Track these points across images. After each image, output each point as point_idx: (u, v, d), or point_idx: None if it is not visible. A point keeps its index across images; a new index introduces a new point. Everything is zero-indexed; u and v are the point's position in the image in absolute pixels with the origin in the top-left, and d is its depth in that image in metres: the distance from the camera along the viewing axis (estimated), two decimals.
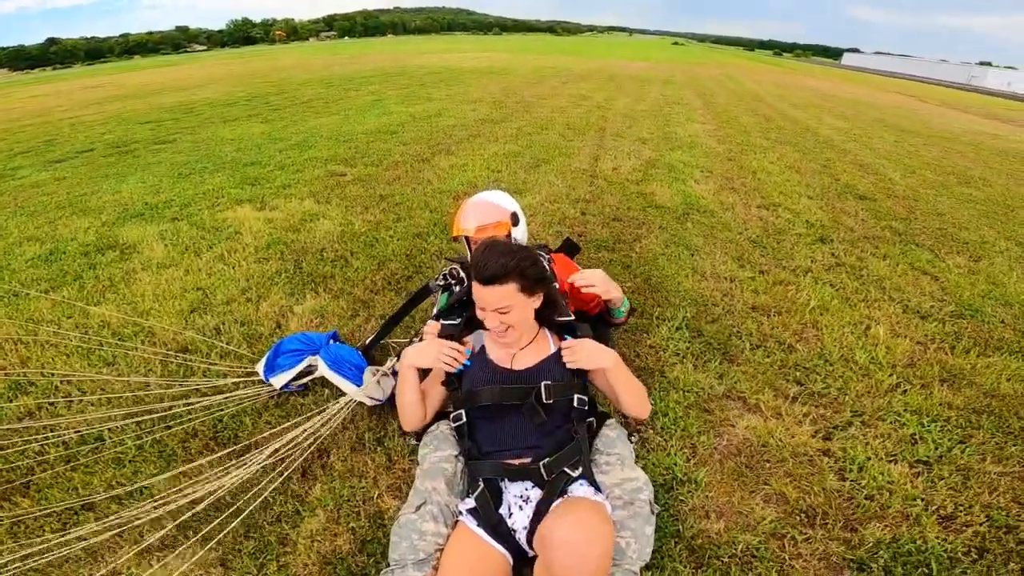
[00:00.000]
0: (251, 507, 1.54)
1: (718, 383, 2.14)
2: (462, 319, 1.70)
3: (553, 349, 1.58)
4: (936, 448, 1.84)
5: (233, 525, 1.49)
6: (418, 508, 1.35)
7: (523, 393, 1.47)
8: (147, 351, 2.24)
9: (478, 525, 1.33)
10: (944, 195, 4.93)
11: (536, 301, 1.52)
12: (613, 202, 4.05)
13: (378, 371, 1.90)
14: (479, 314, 1.48)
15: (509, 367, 1.54)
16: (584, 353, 1.48)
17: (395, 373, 1.89)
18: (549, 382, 1.48)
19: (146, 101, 10.51)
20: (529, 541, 1.32)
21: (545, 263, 1.99)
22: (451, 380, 1.57)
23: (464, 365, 1.52)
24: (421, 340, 1.84)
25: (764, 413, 1.99)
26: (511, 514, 1.36)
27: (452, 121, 6.95)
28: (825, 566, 1.43)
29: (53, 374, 2.13)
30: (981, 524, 1.55)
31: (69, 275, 2.95)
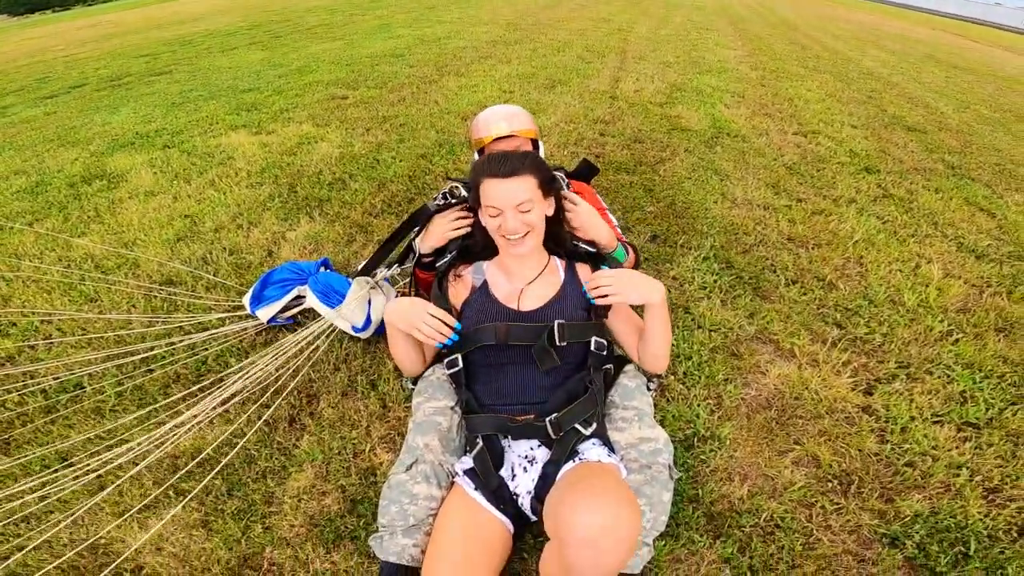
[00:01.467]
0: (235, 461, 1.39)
1: (748, 323, 1.89)
2: (453, 254, 1.45)
3: (563, 281, 1.34)
4: (987, 409, 1.59)
5: (214, 482, 1.34)
6: (409, 468, 1.16)
7: (532, 333, 1.23)
8: (130, 285, 2.05)
9: (476, 489, 1.15)
10: (1001, 131, 4.40)
11: (549, 207, 1.30)
12: (635, 124, 3.66)
13: (370, 282, 1.67)
14: (491, 223, 1.25)
15: (516, 307, 1.30)
16: (628, 283, 1.20)
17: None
18: (563, 321, 1.24)
19: (145, 36, 9.92)
20: (533, 506, 1.14)
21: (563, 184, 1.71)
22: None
23: (450, 340, 1.23)
24: (420, 231, 1.61)
25: (799, 359, 1.75)
26: (514, 476, 1.18)
27: (462, 43, 6.39)
28: (855, 540, 1.24)
29: (34, 312, 1.97)
30: (1022, 505, 1.32)
31: (54, 207, 2.76)
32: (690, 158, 3.16)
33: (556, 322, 1.23)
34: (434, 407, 1.26)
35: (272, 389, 1.58)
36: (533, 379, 1.25)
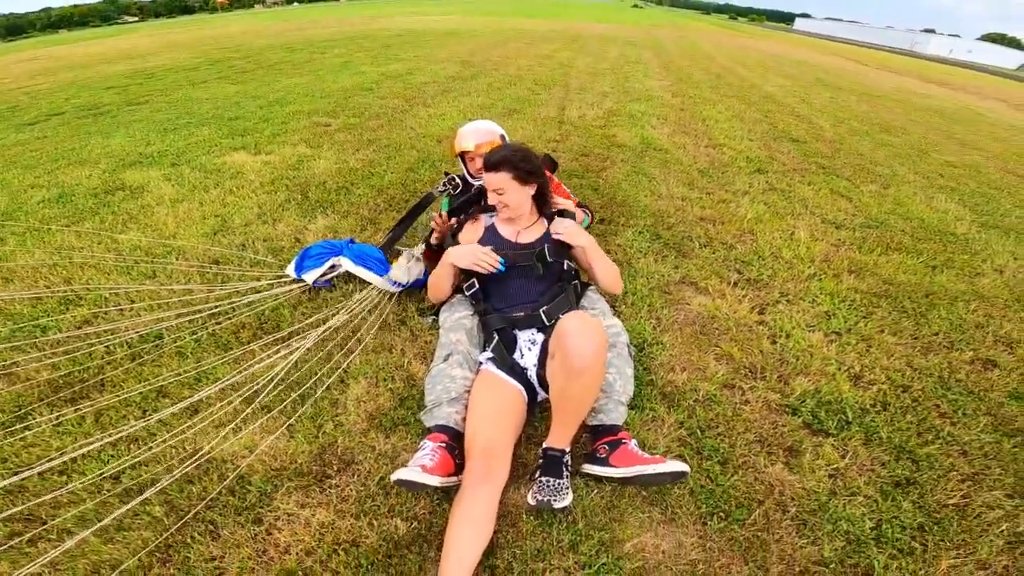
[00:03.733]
0: (306, 382, 1.86)
1: (674, 272, 2.55)
2: (468, 213, 2.04)
3: (546, 230, 1.88)
4: (845, 322, 2.27)
5: (292, 397, 1.74)
6: (446, 358, 1.65)
7: (529, 255, 1.78)
8: (182, 265, 2.48)
9: (497, 367, 1.62)
10: (866, 140, 5.47)
11: (530, 189, 1.81)
12: (580, 142, 4.39)
13: (412, 254, 2.20)
14: (489, 196, 1.80)
15: (515, 240, 1.85)
16: (568, 227, 1.79)
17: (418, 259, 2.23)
18: (548, 245, 1.80)
19: (97, 70, 9.99)
20: (538, 376, 1.61)
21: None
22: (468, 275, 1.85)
23: (499, 270, 1.75)
24: (431, 233, 2.19)
25: (712, 294, 2.42)
26: (522, 355, 1.66)
27: (424, 78, 7.06)
28: (767, 409, 1.79)
29: (100, 288, 2.35)
30: (883, 383, 1.93)
31: (86, 212, 3.10)
32: (625, 166, 3.90)
33: (545, 245, 1.80)
34: (459, 315, 1.79)
35: (326, 329, 2.06)
36: (530, 286, 1.79)
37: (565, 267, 1.85)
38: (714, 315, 2.27)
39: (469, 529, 1.25)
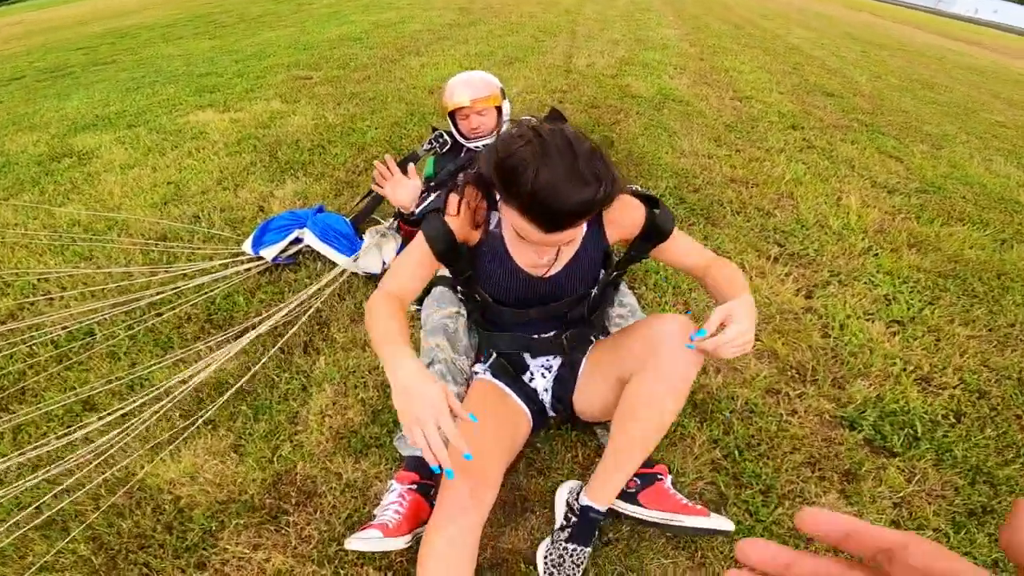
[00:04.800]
0: (257, 387, 1.51)
1: (704, 244, 2.13)
2: (455, 183, 1.60)
3: (583, 238, 1.09)
4: (908, 308, 1.90)
5: (240, 408, 1.42)
6: (427, 367, 1.25)
7: (556, 311, 1.16)
8: (124, 243, 2.10)
9: (498, 378, 1.20)
10: (908, 96, 4.90)
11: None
12: (590, 92, 3.88)
13: (379, 231, 1.81)
14: (533, 235, 0.89)
15: (535, 272, 1.10)
16: (750, 339, 0.93)
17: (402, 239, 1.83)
18: (582, 289, 1.14)
19: (73, 31, 9.34)
20: (552, 404, 1.22)
21: None
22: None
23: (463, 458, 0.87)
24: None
25: (749, 272, 2.02)
26: (532, 379, 1.24)
27: (418, 27, 6.44)
28: (819, 422, 1.46)
29: (28, 273, 1.99)
30: (955, 387, 1.59)
31: (26, 183, 2.70)
32: (641, 119, 3.41)
33: (576, 293, 1.13)
34: (443, 314, 1.37)
35: (284, 322, 1.69)
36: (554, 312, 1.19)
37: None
38: (753, 299, 1.88)
39: (445, 571, 0.90)
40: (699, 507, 1.12)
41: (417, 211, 1.67)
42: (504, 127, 1.83)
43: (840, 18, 13.98)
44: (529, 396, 1.21)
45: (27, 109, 4.02)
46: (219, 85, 4.15)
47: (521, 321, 1.17)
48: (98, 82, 4.70)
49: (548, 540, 1.11)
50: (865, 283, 2.02)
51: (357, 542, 1.02)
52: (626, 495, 1.15)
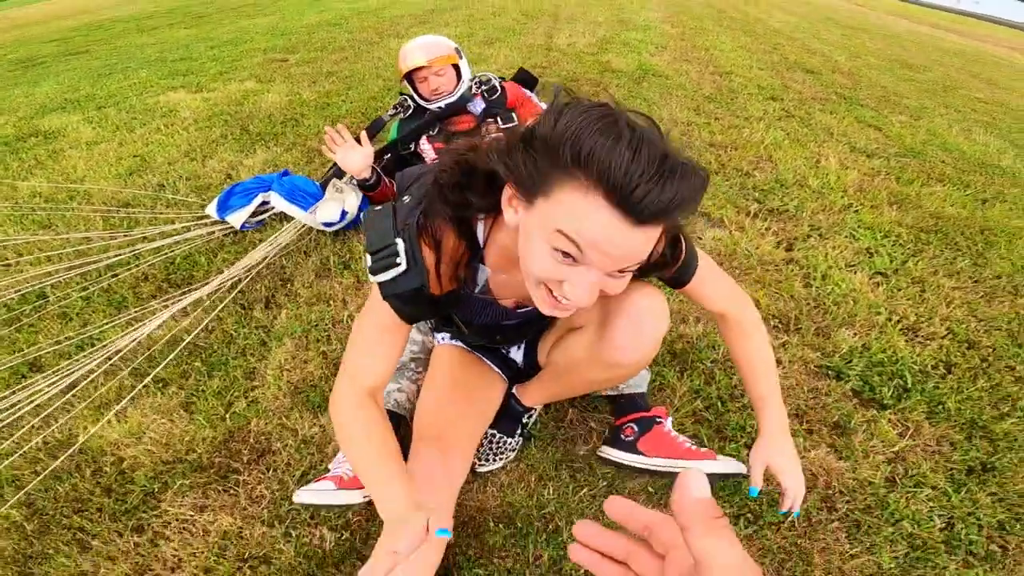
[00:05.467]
0: (212, 341, 1.45)
1: None
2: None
3: None
4: (891, 260, 1.88)
5: (193, 365, 1.36)
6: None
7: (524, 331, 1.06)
8: (85, 210, 2.03)
9: (468, 349, 1.11)
10: (887, 75, 4.91)
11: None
12: (570, 68, 3.84)
13: (337, 185, 1.75)
14: (543, 263, 0.65)
15: (512, 307, 0.95)
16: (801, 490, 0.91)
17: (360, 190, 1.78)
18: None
19: (47, 26, 9.19)
20: (524, 366, 1.16)
21: (498, 87, 1.85)
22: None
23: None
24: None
25: (728, 227, 2.00)
26: (508, 350, 1.17)
27: (400, 12, 6.36)
28: (804, 372, 1.41)
29: None
30: (944, 337, 1.56)
31: None
32: (620, 91, 3.39)
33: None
34: None
35: (246, 280, 1.64)
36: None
37: None
38: (732, 251, 1.86)
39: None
40: (704, 449, 1.07)
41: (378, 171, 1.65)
42: (464, 86, 1.81)
43: (823, 4, 14.06)
44: (503, 360, 1.14)
45: None
46: (192, 69, 4.06)
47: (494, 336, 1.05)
48: (69, 70, 4.58)
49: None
50: (846, 236, 2.00)
51: (307, 494, 0.96)
52: (625, 444, 1.09)
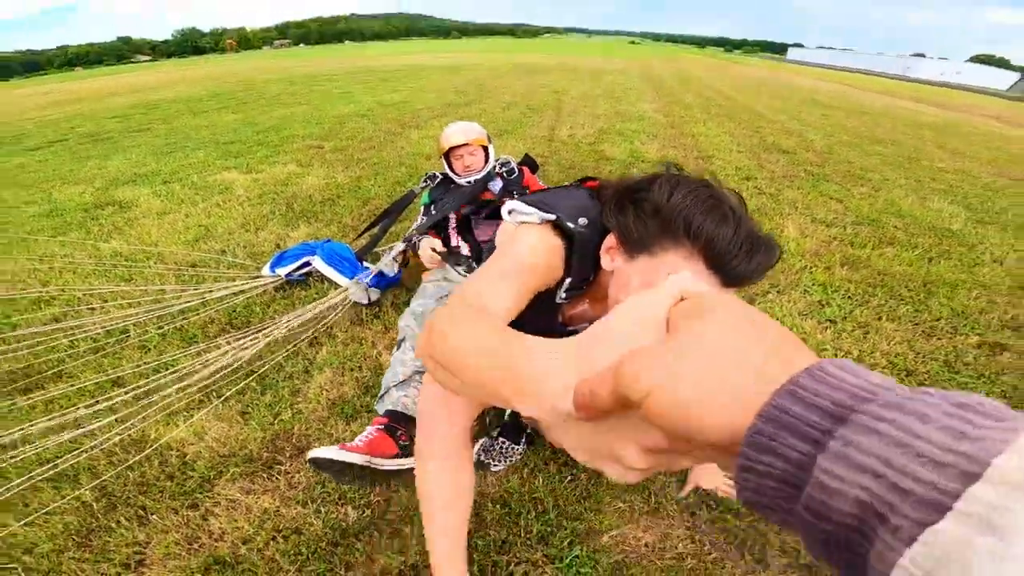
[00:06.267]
0: (265, 367, 1.85)
1: None
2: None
3: None
4: (840, 310, 2.23)
5: (249, 382, 1.72)
6: (399, 345, 1.58)
7: None
8: (160, 268, 2.50)
9: None
10: (856, 151, 5.53)
11: None
12: (569, 157, 4.45)
13: (358, 283, 2.17)
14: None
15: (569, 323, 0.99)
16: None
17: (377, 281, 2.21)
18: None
19: (105, 103, 10.43)
20: None
21: (516, 169, 2.28)
22: None
23: None
24: (410, 246, 2.15)
25: None
26: None
27: (419, 106, 7.26)
28: None
29: (73, 289, 2.37)
30: (884, 367, 1.86)
31: (73, 225, 3.15)
32: (612, 176, 3.95)
33: None
34: (417, 302, 1.74)
35: (295, 324, 2.05)
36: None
37: None
38: None
39: (447, 489, 0.95)
40: None
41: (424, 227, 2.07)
42: (490, 166, 2.13)
43: (809, 87, 15.28)
44: None
45: (72, 167, 4.59)
46: (242, 151, 4.75)
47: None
48: (134, 147, 5.32)
49: (486, 437, 1.39)
50: (801, 292, 2.37)
51: (316, 451, 1.25)
52: None
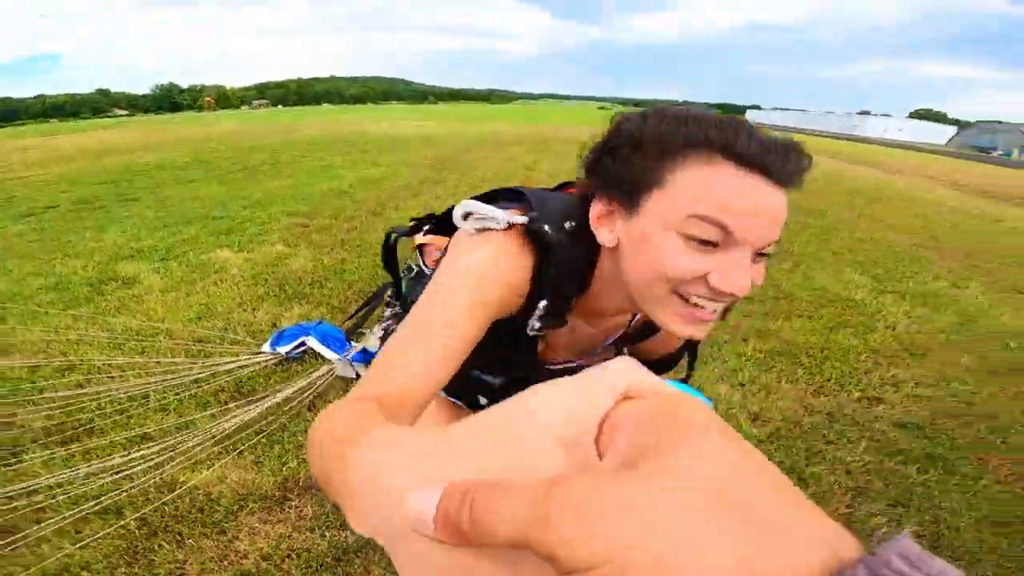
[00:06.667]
0: (273, 427, 2.35)
1: None
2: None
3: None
4: (748, 375, 2.86)
5: (259, 439, 2.21)
6: None
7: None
8: (170, 343, 2.98)
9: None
10: (789, 226, 6.45)
11: None
12: None
13: (344, 360, 2.72)
14: (680, 261, 0.61)
15: (550, 357, 0.93)
16: None
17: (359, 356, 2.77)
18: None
19: (89, 163, 10.96)
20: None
21: None
22: None
23: None
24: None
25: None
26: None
27: (397, 183, 8.03)
28: None
29: (93, 359, 2.82)
30: (779, 420, 2.47)
31: (81, 299, 3.59)
32: None
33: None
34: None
35: (294, 394, 2.56)
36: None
37: None
38: None
39: None
40: None
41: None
42: None
43: None
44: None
45: (69, 238, 5.03)
46: (232, 228, 5.31)
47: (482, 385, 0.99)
48: (127, 217, 5.82)
49: None
50: (720, 362, 3.00)
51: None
52: None
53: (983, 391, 2.90)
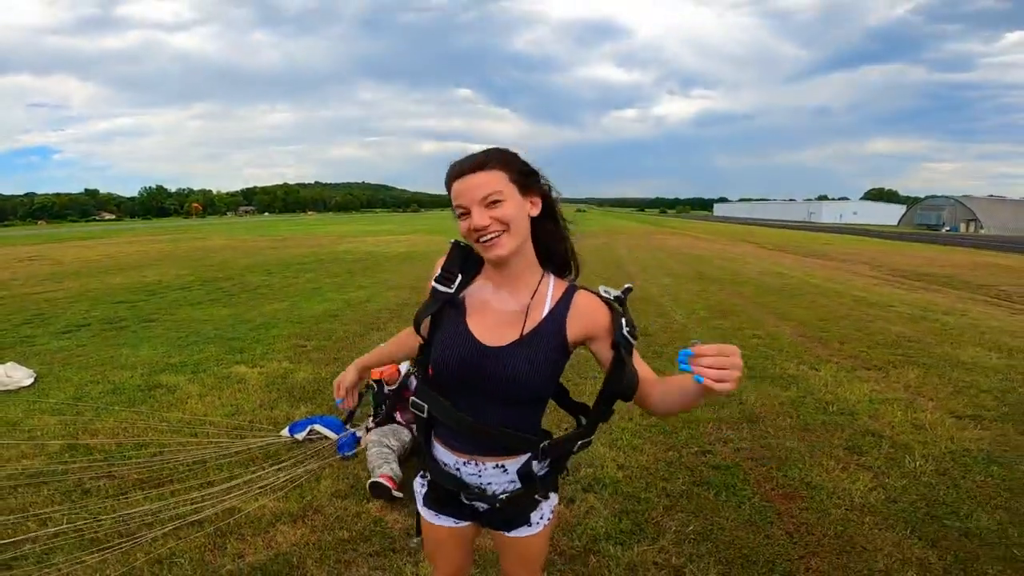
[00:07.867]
0: (299, 481, 3.84)
1: None
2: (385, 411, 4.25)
3: (547, 312, 1.25)
4: (627, 442, 4.34)
5: (289, 488, 3.72)
6: (368, 454, 3.72)
7: (492, 384, 1.23)
8: (213, 430, 4.48)
9: (436, 515, 1.48)
10: (703, 326, 8.16)
11: (533, 208, 1.23)
12: None
13: (341, 437, 4.29)
14: (463, 227, 1.19)
15: (481, 339, 1.24)
16: (738, 372, 1.04)
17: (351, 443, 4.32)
18: (525, 368, 1.20)
19: (100, 280, 12.83)
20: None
21: None
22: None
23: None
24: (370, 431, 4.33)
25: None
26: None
27: (378, 305, 9.84)
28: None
29: (162, 440, 4.30)
30: (634, 468, 3.88)
31: (137, 399, 5.10)
32: None
33: (516, 369, 1.20)
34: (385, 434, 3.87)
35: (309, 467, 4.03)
36: (493, 416, 1.26)
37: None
38: None
39: None
40: None
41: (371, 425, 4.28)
42: (403, 375, 4.52)
43: (711, 255, 19.46)
44: (464, 513, 1.44)
45: (109, 354, 6.59)
46: (244, 347, 6.93)
47: (457, 423, 1.27)
48: (153, 337, 7.43)
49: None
50: (608, 434, 4.48)
51: (372, 479, 3.30)
52: None
53: (787, 443, 4.37)
